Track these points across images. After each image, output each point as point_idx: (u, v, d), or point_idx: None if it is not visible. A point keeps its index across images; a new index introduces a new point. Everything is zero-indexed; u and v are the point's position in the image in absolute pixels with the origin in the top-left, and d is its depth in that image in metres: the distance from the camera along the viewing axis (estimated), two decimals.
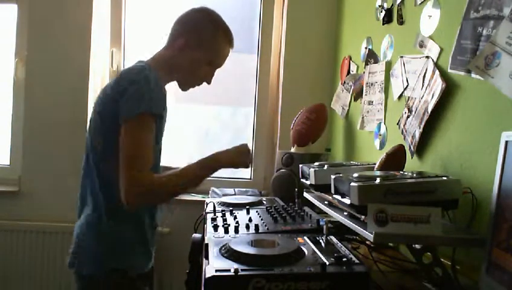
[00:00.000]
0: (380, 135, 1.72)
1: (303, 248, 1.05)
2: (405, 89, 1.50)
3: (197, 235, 1.53)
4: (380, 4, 1.80)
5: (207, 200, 1.87)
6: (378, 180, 0.96)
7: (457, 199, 0.97)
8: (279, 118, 2.53)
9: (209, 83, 1.44)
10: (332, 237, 1.15)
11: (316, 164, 1.52)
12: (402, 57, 1.54)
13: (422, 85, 1.37)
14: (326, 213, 1.28)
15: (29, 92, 2.43)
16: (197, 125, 2.82)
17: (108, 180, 1.24)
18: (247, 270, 0.89)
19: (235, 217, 1.45)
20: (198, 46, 1.35)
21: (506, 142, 0.87)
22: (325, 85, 2.49)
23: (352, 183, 0.97)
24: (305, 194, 1.56)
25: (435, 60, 1.32)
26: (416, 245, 1.11)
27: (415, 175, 1.03)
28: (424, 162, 1.36)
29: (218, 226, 1.33)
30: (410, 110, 1.44)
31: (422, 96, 1.36)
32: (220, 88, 2.73)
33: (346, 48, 2.32)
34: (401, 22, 1.60)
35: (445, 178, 0.98)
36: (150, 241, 1.36)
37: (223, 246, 1.05)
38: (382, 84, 1.72)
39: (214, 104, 2.82)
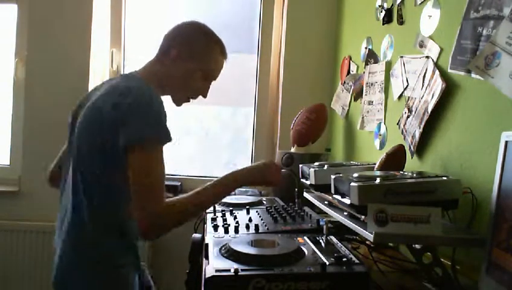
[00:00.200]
0: (380, 135, 1.72)
1: (303, 248, 1.05)
2: (405, 89, 1.50)
3: (197, 235, 1.53)
4: (380, 4, 1.80)
5: None
6: (378, 180, 0.96)
7: (457, 199, 0.97)
8: (279, 118, 2.53)
9: (204, 96, 1.39)
10: (332, 237, 1.15)
11: (316, 164, 1.53)
12: (402, 57, 1.54)
13: (422, 85, 1.37)
14: (326, 213, 1.28)
15: (29, 92, 2.44)
16: (197, 125, 2.82)
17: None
18: (247, 270, 0.89)
19: (235, 217, 1.45)
20: (191, 58, 1.30)
21: (506, 142, 0.87)
22: (325, 85, 2.49)
23: (352, 183, 0.97)
24: (305, 194, 1.56)
25: (435, 60, 1.32)
26: (416, 245, 1.11)
27: (415, 175, 1.03)
28: (424, 162, 1.36)
29: (218, 226, 1.33)
30: (410, 110, 1.44)
31: (422, 96, 1.36)
32: (220, 88, 2.73)
33: (346, 48, 2.32)
34: (401, 22, 1.60)
35: (445, 178, 0.98)
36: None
37: (223, 246, 1.05)
38: (382, 84, 1.72)
39: (214, 104, 2.82)
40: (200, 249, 1.42)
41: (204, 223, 1.49)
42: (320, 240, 1.13)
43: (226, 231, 1.26)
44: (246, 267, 0.90)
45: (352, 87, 2.09)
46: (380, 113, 1.74)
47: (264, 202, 1.76)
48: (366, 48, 1.95)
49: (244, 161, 2.73)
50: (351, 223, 1.04)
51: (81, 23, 2.41)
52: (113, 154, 1.10)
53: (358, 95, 2.02)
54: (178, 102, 1.37)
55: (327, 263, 0.94)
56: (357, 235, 1.37)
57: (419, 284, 1.12)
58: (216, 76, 1.39)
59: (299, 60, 2.50)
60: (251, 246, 1.04)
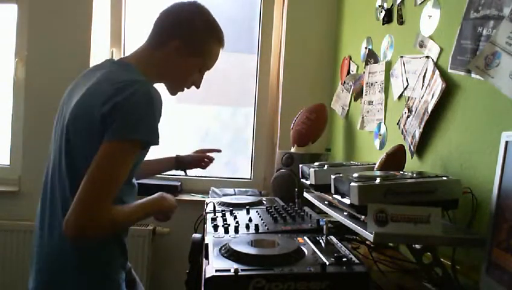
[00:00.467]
0: (380, 135, 1.73)
1: (303, 248, 1.05)
2: (405, 89, 1.50)
3: (197, 235, 1.53)
4: (380, 4, 1.80)
5: (207, 200, 1.87)
6: (378, 180, 0.96)
7: (457, 199, 0.97)
8: (279, 118, 2.53)
9: (198, 87, 1.38)
10: (332, 237, 1.15)
11: (316, 164, 1.53)
12: (402, 57, 1.54)
13: (422, 85, 1.37)
14: (326, 213, 1.28)
15: (29, 92, 2.44)
16: (197, 125, 2.82)
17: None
18: (247, 270, 0.89)
19: (235, 217, 1.45)
20: (194, 53, 1.28)
21: (506, 142, 0.87)
22: (325, 85, 2.50)
23: (352, 183, 0.97)
24: (305, 194, 1.56)
25: (435, 60, 1.32)
26: (416, 245, 1.11)
27: (415, 175, 1.03)
28: (424, 162, 1.36)
29: (218, 226, 1.33)
30: (410, 110, 1.44)
31: (422, 96, 1.36)
32: (220, 88, 2.74)
33: (346, 48, 2.32)
34: (401, 22, 1.60)
35: (445, 178, 0.98)
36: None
37: (223, 246, 1.05)
38: (382, 84, 1.72)
39: (214, 104, 2.82)
40: (200, 249, 1.42)
41: (204, 223, 1.49)
42: (320, 240, 1.13)
43: (226, 231, 1.26)
44: (246, 267, 0.90)
45: (352, 87, 2.09)
46: (380, 113, 1.74)
47: (264, 202, 1.76)
48: (366, 48, 1.95)
49: (244, 161, 2.74)
50: (351, 223, 1.04)
51: (81, 23, 2.40)
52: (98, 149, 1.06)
53: (358, 95, 2.02)
54: (173, 92, 1.36)
55: (327, 263, 0.94)
56: (357, 235, 1.37)
57: (419, 284, 1.12)
58: (212, 66, 1.38)
59: (299, 60, 2.51)
60: (251, 246, 1.04)
